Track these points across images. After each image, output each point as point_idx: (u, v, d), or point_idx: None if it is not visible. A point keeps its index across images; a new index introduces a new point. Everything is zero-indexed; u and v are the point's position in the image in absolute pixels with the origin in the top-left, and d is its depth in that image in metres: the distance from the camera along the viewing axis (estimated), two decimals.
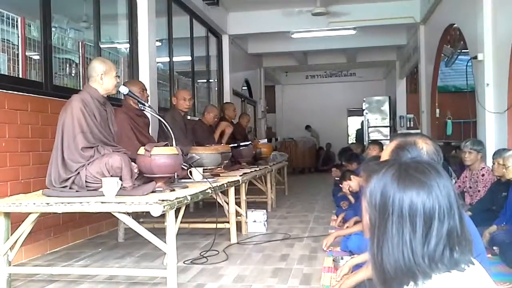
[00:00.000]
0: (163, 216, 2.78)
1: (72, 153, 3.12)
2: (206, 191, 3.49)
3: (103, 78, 3.28)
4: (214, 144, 5.21)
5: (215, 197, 3.96)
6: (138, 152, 3.23)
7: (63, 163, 3.13)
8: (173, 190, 3.24)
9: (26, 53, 4.11)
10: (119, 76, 3.54)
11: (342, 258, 3.27)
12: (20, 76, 4.02)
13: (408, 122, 11.58)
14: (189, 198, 3.08)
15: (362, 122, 14.68)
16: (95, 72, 3.29)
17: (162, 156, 3.16)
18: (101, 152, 3.16)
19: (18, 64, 4.01)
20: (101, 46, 5.26)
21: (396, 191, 1.10)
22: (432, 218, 1.08)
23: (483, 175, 4.65)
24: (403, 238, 1.08)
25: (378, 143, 5.71)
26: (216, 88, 9.71)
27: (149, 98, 4.46)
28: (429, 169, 1.14)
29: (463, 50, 7.36)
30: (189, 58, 8.12)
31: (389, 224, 1.10)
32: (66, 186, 3.12)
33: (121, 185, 2.97)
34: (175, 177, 3.62)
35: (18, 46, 4.04)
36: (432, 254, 1.07)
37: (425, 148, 1.78)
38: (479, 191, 4.62)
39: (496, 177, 4.26)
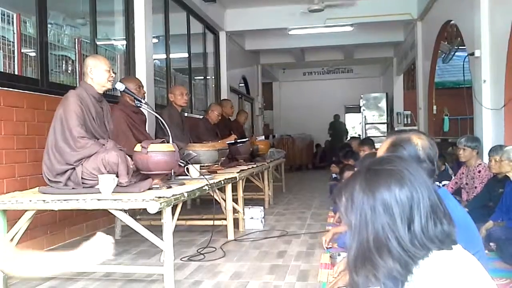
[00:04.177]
0: (160, 213, 2.78)
1: (69, 145, 3.10)
2: (203, 188, 3.49)
3: (92, 72, 3.30)
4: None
5: (212, 194, 3.95)
6: (135, 149, 3.22)
7: (58, 155, 3.12)
8: (170, 187, 3.24)
9: (22, 50, 4.09)
10: (114, 72, 3.52)
11: (339, 255, 3.26)
12: (16, 73, 4.00)
13: (406, 119, 11.58)
14: (186, 195, 3.08)
15: (336, 115, 14.48)
16: (85, 68, 3.34)
17: (158, 153, 3.15)
18: (102, 143, 3.16)
19: (13, 61, 3.99)
20: (98, 43, 5.23)
21: (365, 201, 1.11)
22: (411, 200, 1.09)
23: (479, 171, 4.65)
24: (389, 243, 1.08)
25: (367, 143, 5.67)
26: (213, 85, 9.70)
27: (145, 95, 4.45)
28: (394, 159, 1.17)
29: (460, 47, 7.34)
30: (186, 55, 8.11)
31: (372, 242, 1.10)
32: (60, 182, 3.11)
33: (118, 181, 2.96)
34: (172, 174, 3.62)
35: (13, 42, 4.01)
36: (424, 231, 1.09)
37: (419, 143, 1.79)
38: (475, 187, 4.62)
39: (493, 173, 4.27)
